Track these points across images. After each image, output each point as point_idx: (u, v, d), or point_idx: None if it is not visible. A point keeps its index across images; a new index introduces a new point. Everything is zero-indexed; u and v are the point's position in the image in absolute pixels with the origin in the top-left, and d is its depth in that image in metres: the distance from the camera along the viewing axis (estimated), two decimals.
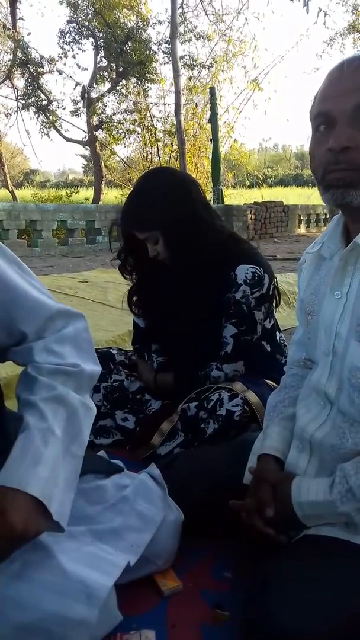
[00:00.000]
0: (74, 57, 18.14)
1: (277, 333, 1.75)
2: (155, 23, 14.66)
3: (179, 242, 1.56)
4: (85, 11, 14.63)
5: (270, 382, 1.61)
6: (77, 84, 14.59)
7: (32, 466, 0.82)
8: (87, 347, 1.01)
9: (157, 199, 1.55)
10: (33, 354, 0.94)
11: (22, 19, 14.66)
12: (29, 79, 14.82)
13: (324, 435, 0.98)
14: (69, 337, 0.98)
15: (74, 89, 14.91)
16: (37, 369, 0.93)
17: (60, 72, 14.47)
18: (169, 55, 13.07)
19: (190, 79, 14.14)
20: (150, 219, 1.55)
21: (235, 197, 14.32)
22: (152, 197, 1.56)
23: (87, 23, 14.70)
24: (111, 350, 1.86)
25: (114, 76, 15.33)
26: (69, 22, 14.81)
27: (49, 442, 0.85)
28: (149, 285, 1.73)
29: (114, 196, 17.12)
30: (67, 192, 15.55)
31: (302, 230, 13.84)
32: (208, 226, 1.59)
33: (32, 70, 14.44)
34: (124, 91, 15.51)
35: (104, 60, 15.43)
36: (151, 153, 15.10)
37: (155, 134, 14.80)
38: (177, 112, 10.58)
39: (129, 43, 14.25)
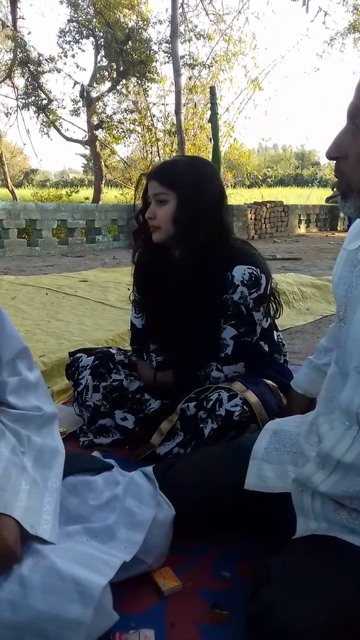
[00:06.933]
0: (73, 56, 18.19)
1: (275, 332, 1.75)
2: (156, 22, 14.64)
3: (187, 227, 1.54)
4: (86, 10, 14.62)
5: (269, 381, 1.61)
6: (76, 82, 14.57)
7: (14, 495, 0.96)
8: (44, 391, 1.20)
9: (199, 171, 1.56)
10: (6, 391, 1.10)
11: (23, 18, 14.55)
12: (29, 78, 14.80)
13: (354, 458, 0.91)
14: (34, 383, 1.16)
15: (73, 87, 14.87)
16: (5, 414, 1.08)
17: (58, 71, 14.43)
18: (169, 55, 13.06)
19: (190, 78, 14.15)
20: (179, 178, 1.54)
21: (235, 196, 14.33)
22: (194, 166, 1.58)
23: (87, 22, 14.68)
24: (110, 349, 1.86)
25: (114, 76, 15.31)
26: (69, 21, 14.80)
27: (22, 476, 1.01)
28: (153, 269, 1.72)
29: (114, 195, 17.12)
30: (67, 192, 15.54)
31: (302, 230, 13.85)
32: (225, 236, 1.61)
33: (32, 69, 14.42)
34: (124, 91, 15.50)
35: (104, 59, 15.42)
36: (151, 152, 15.11)
37: (155, 133, 14.81)
38: (178, 111, 10.58)
39: (130, 42, 14.23)
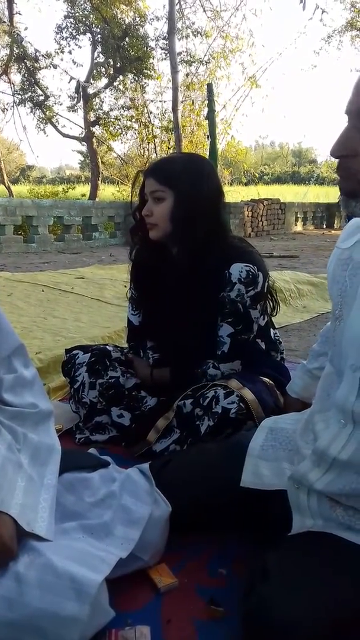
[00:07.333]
0: (70, 52, 18.08)
1: (272, 330, 1.76)
2: (153, 19, 14.57)
3: (184, 225, 1.53)
4: (83, 6, 14.55)
5: (265, 379, 1.61)
6: (72, 78, 14.53)
7: (9, 492, 0.96)
8: (40, 388, 1.20)
9: (196, 169, 1.56)
10: (1, 389, 1.11)
11: (19, 14, 14.49)
12: (26, 74, 14.73)
13: (350, 455, 0.91)
14: (30, 380, 1.16)
15: (69, 82, 14.82)
16: (1, 411, 1.09)
17: (55, 67, 14.39)
18: (166, 52, 13.01)
19: (187, 75, 14.11)
20: (176, 176, 1.53)
21: (232, 194, 14.30)
22: (192, 164, 1.57)
23: (84, 18, 14.62)
24: (107, 346, 1.85)
25: (111, 72, 15.25)
26: (66, 17, 14.73)
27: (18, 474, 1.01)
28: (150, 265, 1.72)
29: (110, 192, 17.11)
30: (63, 188, 15.52)
31: (298, 227, 13.86)
32: (223, 234, 1.61)
33: (28, 65, 14.36)
34: (121, 87, 15.43)
35: (101, 56, 15.36)
36: (148, 149, 15.08)
37: (152, 130, 14.78)
38: (175, 108, 10.57)
39: (126, 39, 14.17)
